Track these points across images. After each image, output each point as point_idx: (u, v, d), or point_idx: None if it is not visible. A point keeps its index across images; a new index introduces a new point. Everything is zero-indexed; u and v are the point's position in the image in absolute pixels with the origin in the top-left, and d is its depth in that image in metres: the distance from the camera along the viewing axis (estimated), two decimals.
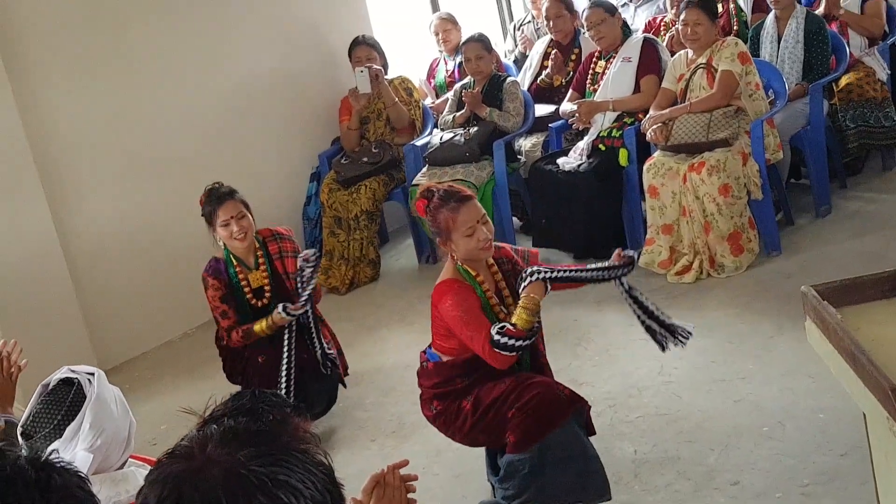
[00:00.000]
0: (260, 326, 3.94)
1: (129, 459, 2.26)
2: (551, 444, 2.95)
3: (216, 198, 3.95)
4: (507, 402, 2.99)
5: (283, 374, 3.91)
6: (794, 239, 5.07)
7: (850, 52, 5.60)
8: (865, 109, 5.56)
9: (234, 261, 4.01)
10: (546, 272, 3.00)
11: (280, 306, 3.90)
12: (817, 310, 2.21)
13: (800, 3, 5.65)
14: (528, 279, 3.00)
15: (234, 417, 1.25)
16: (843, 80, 5.58)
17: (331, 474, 1.24)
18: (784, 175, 5.34)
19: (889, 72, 5.68)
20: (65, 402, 2.19)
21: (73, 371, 2.25)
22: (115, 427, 2.19)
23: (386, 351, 4.81)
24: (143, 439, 3.89)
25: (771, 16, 5.59)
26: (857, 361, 1.98)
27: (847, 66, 5.56)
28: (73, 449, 2.12)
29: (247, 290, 4.02)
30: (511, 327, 2.93)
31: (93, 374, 2.24)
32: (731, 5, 5.97)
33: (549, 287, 3.03)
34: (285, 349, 3.93)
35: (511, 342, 2.91)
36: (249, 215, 3.99)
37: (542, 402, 2.96)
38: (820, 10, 5.77)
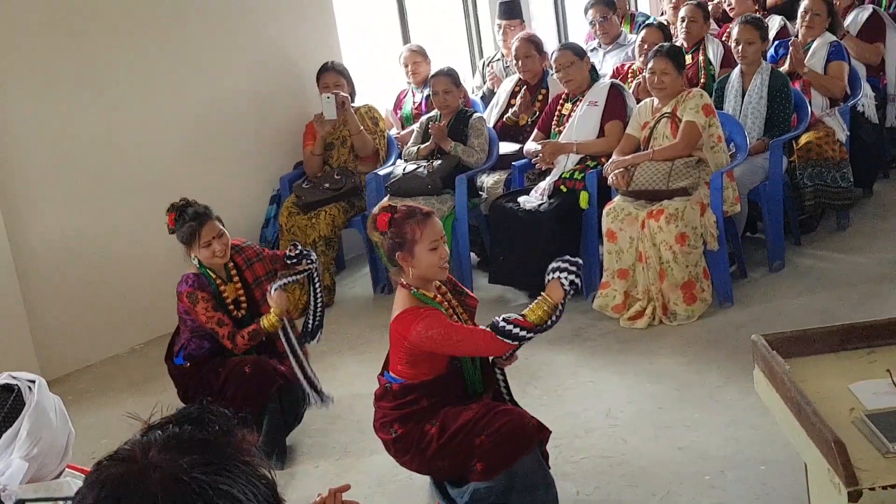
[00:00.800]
0: (269, 321, 3.89)
1: (66, 469, 2.21)
2: (518, 471, 2.95)
3: (194, 218, 3.87)
4: (476, 428, 2.97)
5: (300, 370, 3.98)
6: (746, 291, 5.14)
7: (811, 112, 5.71)
8: (823, 169, 5.66)
9: (212, 274, 3.98)
10: (573, 271, 2.97)
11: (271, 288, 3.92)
12: (766, 359, 2.23)
13: (765, 59, 5.76)
14: (550, 276, 2.99)
15: (180, 425, 1.23)
16: (804, 139, 5.69)
17: (273, 489, 1.23)
18: (740, 228, 5.41)
19: (848, 133, 5.80)
20: (2, 408, 2.14)
21: (13, 377, 2.19)
22: (53, 436, 2.14)
23: (335, 378, 4.77)
24: (83, 452, 3.80)
25: (736, 70, 5.69)
26: (801, 412, 2.00)
27: (808, 125, 5.67)
28: (9, 456, 2.07)
29: (228, 301, 4.00)
30: (520, 318, 2.93)
31: (34, 382, 2.18)
32: (701, 57, 6.08)
33: (569, 291, 2.98)
34: (287, 348, 3.95)
35: (517, 331, 2.92)
36: (225, 230, 3.96)
37: (511, 429, 2.95)
38: (785, 68, 5.89)
